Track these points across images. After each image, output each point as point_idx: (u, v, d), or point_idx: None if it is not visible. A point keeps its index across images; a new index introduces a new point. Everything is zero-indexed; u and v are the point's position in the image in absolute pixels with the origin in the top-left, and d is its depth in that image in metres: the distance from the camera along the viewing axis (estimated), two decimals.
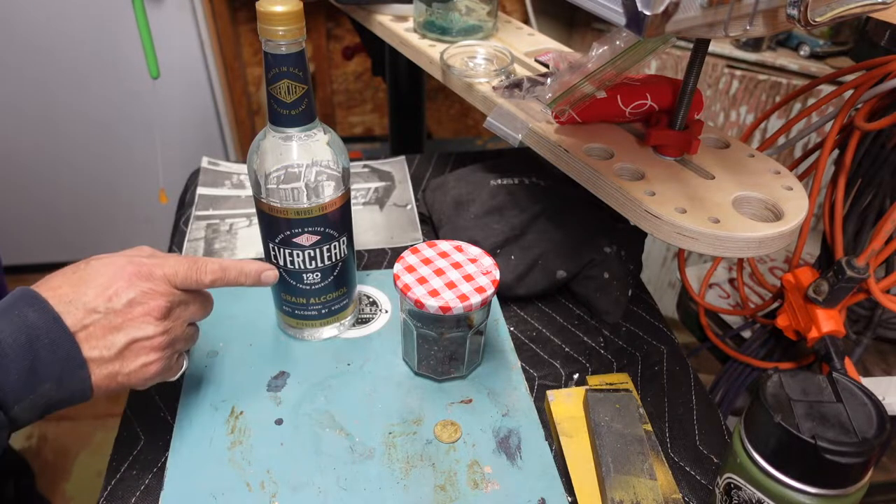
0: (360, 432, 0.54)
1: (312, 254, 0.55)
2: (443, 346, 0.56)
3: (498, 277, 0.55)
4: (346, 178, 0.54)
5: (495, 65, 0.68)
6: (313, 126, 0.51)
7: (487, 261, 0.56)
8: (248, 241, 0.77)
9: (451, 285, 0.53)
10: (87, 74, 1.54)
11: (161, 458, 0.52)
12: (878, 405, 0.39)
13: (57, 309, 0.40)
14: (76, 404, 0.42)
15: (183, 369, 0.50)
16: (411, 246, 0.61)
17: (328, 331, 0.62)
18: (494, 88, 0.64)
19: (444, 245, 0.58)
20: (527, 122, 0.58)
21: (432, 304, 0.52)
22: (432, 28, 0.74)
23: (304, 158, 0.51)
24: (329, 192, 0.53)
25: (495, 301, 0.68)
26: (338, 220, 0.55)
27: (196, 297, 0.49)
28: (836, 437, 0.36)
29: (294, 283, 0.57)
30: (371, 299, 0.67)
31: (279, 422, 0.54)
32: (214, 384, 0.57)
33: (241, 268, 0.50)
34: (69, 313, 0.41)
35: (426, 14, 0.74)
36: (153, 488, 0.50)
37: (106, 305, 0.42)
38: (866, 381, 0.71)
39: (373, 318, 0.65)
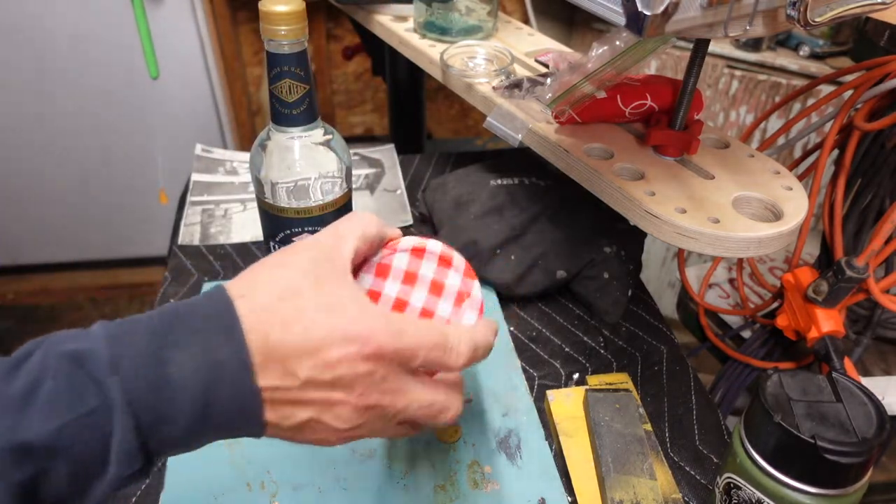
0: None
1: None
2: None
3: (481, 298, 0.43)
4: (348, 177, 0.54)
5: (495, 65, 0.68)
6: (315, 126, 0.52)
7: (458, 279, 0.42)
8: (243, 225, 0.79)
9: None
10: (86, 74, 1.54)
11: None
12: (877, 405, 0.39)
13: (253, 358, 0.30)
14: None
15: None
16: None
17: None
18: (494, 88, 0.64)
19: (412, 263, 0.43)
20: (527, 122, 0.58)
21: None
22: (432, 28, 0.74)
23: (311, 171, 0.52)
24: (332, 192, 0.53)
25: (496, 301, 0.68)
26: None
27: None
28: (836, 437, 0.36)
29: None
30: None
31: None
32: None
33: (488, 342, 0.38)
34: (266, 368, 0.31)
35: (426, 14, 0.74)
36: (153, 488, 0.50)
37: (308, 374, 0.31)
38: (866, 381, 0.71)
39: None
